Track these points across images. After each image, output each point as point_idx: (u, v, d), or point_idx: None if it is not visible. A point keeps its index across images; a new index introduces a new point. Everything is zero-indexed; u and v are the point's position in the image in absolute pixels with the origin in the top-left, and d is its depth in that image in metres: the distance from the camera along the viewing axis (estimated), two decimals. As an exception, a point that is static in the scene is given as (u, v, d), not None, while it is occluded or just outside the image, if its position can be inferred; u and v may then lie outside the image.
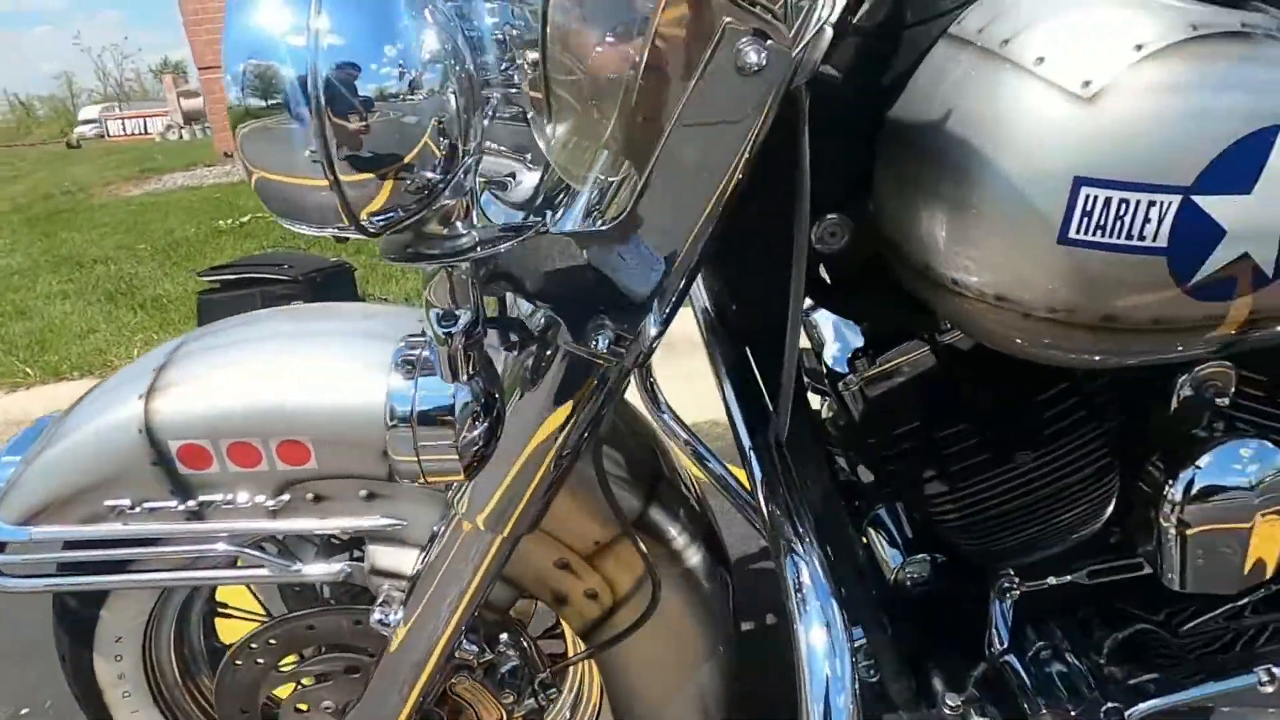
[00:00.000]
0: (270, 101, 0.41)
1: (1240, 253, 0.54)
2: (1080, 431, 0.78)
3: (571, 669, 1.04)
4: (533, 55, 0.49)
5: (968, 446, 0.79)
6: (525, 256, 0.57)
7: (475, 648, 0.82)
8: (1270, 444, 0.72)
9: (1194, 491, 0.72)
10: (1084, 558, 0.89)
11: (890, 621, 0.97)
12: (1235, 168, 0.51)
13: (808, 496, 0.71)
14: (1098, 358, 0.63)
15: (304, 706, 0.93)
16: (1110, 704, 0.86)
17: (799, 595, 0.59)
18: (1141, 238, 0.53)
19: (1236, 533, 0.72)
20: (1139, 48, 0.52)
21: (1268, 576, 0.77)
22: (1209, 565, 0.74)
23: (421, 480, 0.55)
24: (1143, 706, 0.85)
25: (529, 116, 0.51)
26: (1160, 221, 0.52)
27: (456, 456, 0.53)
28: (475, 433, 0.55)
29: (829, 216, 0.69)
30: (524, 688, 0.88)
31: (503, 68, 0.49)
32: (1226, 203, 0.52)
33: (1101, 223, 0.53)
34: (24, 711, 1.52)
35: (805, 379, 0.95)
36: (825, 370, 0.92)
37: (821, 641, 0.57)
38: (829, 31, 0.55)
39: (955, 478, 0.80)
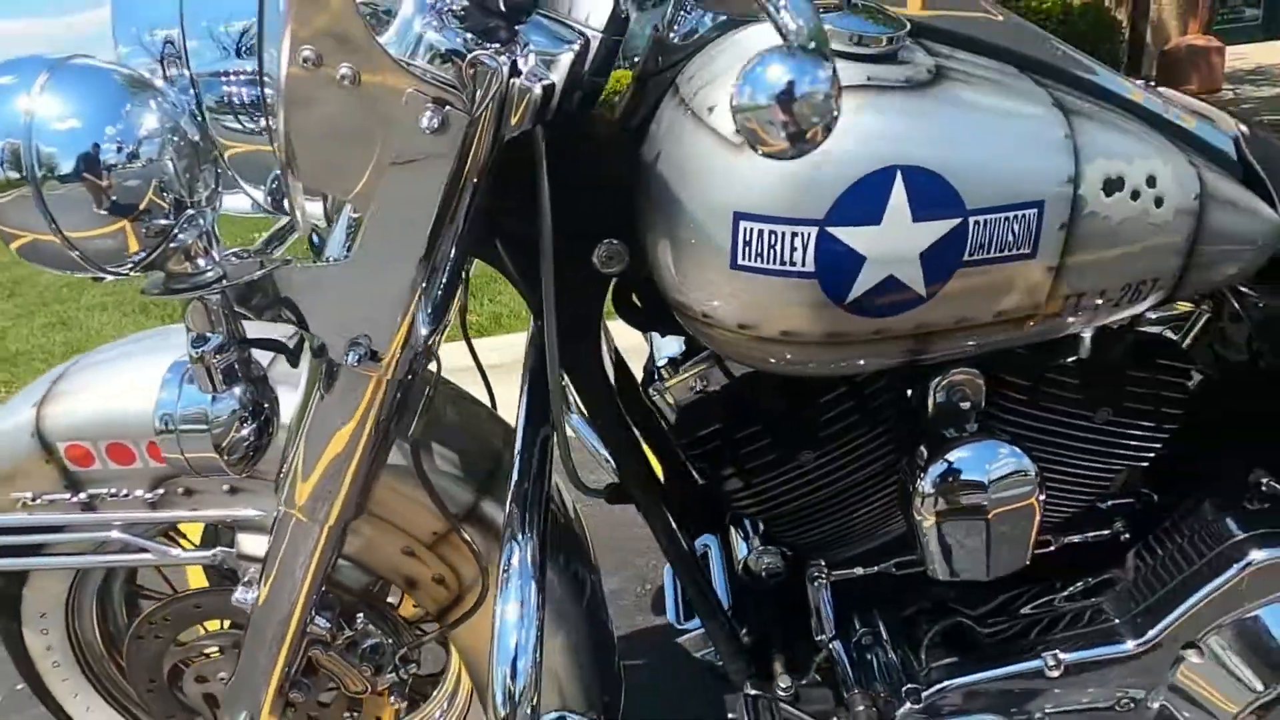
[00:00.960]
0: (10, 175, 0.52)
1: (885, 274, 0.61)
2: (858, 433, 0.85)
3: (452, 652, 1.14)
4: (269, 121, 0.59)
5: (759, 447, 0.87)
6: (286, 284, 0.67)
7: (328, 624, 0.93)
8: (1007, 445, 0.78)
9: (937, 487, 0.78)
10: (893, 550, 0.96)
11: (740, 609, 1.05)
12: (862, 203, 0.59)
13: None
14: (836, 366, 0.71)
15: (205, 678, 1.06)
16: (910, 685, 0.93)
17: (505, 574, 0.68)
18: (793, 263, 0.61)
19: (976, 525, 0.79)
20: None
21: (1018, 566, 0.83)
22: (957, 554, 0.81)
23: (194, 474, 0.66)
24: (937, 687, 0.92)
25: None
26: (805, 249, 0.60)
27: (217, 454, 0.64)
28: (241, 434, 0.65)
29: (606, 241, 0.77)
30: (383, 662, 0.98)
31: (245, 126, 0.60)
32: (859, 232, 0.60)
33: (759, 251, 0.61)
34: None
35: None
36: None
37: (514, 614, 0.67)
38: (538, 90, 0.64)
39: (750, 476, 0.88)
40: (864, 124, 0.59)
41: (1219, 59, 6.64)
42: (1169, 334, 0.91)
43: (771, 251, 0.61)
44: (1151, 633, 0.88)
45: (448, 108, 0.58)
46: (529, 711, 0.65)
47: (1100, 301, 0.68)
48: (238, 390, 0.64)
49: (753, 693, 0.94)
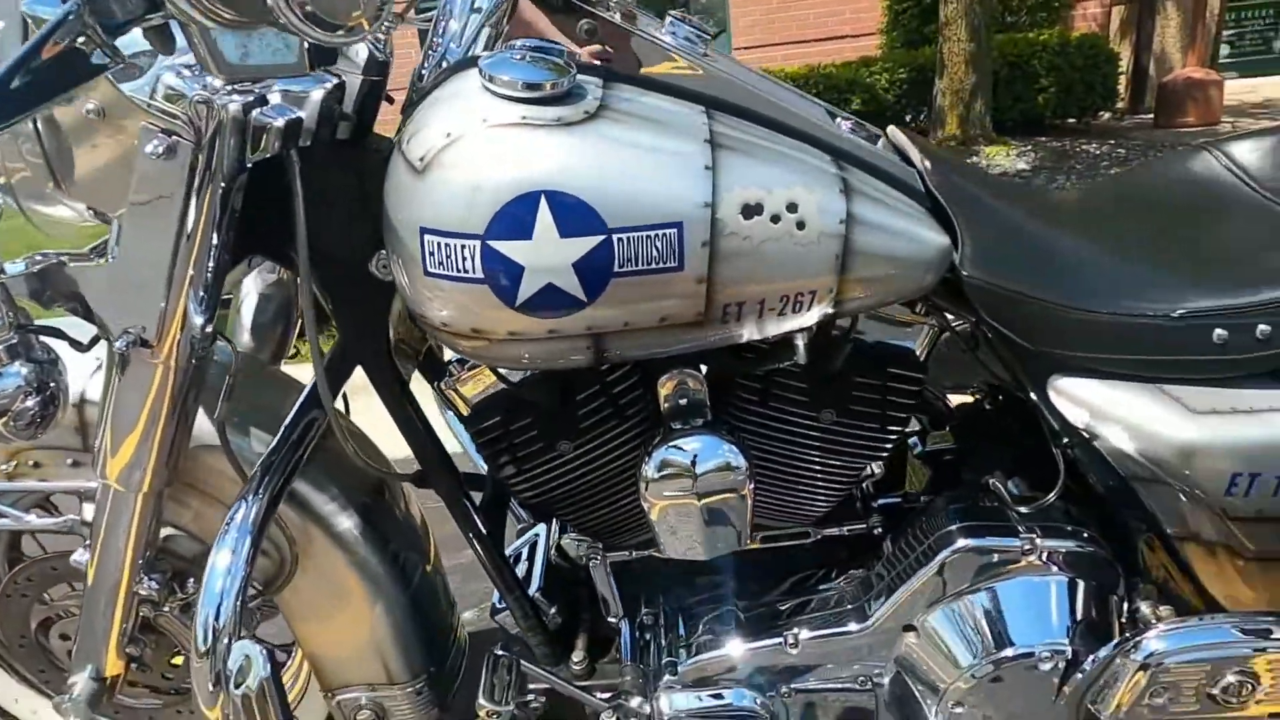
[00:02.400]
0: None
1: (545, 282, 0.73)
2: (609, 426, 0.96)
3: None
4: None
5: (529, 438, 0.98)
6: (74, 280, 0.80)
7: (159, 586, 1.05)
8: (719, 439, 0.89)
9: (655, 475, 0.89)
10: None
11: (551, 591, 1.16)
12: (514, 221, 0.71)
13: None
14: (539, 361, 0.82)
15: (67, 635, 1.18)
16: (668, 659, 1.03)
17: (226, 528, 0.80)
18: (467, 271, 0.73)
19: (689, 510, 0.89)
20: (448, 134, 0.72)
21: (736, 547, 0.93)
22: (678, 536, 0.91)
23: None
24: (691, 661, 1.02)
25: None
26: (473, 259, 0.72)
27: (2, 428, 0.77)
28: (26, 405, 0.78)
29: (379, 251, 0.89)
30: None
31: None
32: (515, 246, 0.71)
33: (441, 261, 0.73)
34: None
35: None
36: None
37: (224, 562, 0.78)
38: (280, 123, 0.76)
39: (523, 466, 0.98)
40: (515, 154, 0.71)
41: (1217, 92, 6.65)
42: (904, 342, 1.01)
43: (449, 261, 0.73)
44: (875, 615, 0.98)
45: (174, 138, 0.71)
46: (226, 647, 0.76)
47: (762, 310, 0.79)
48: (18, 367, 0.77)
49: (500, 653, 1.04)
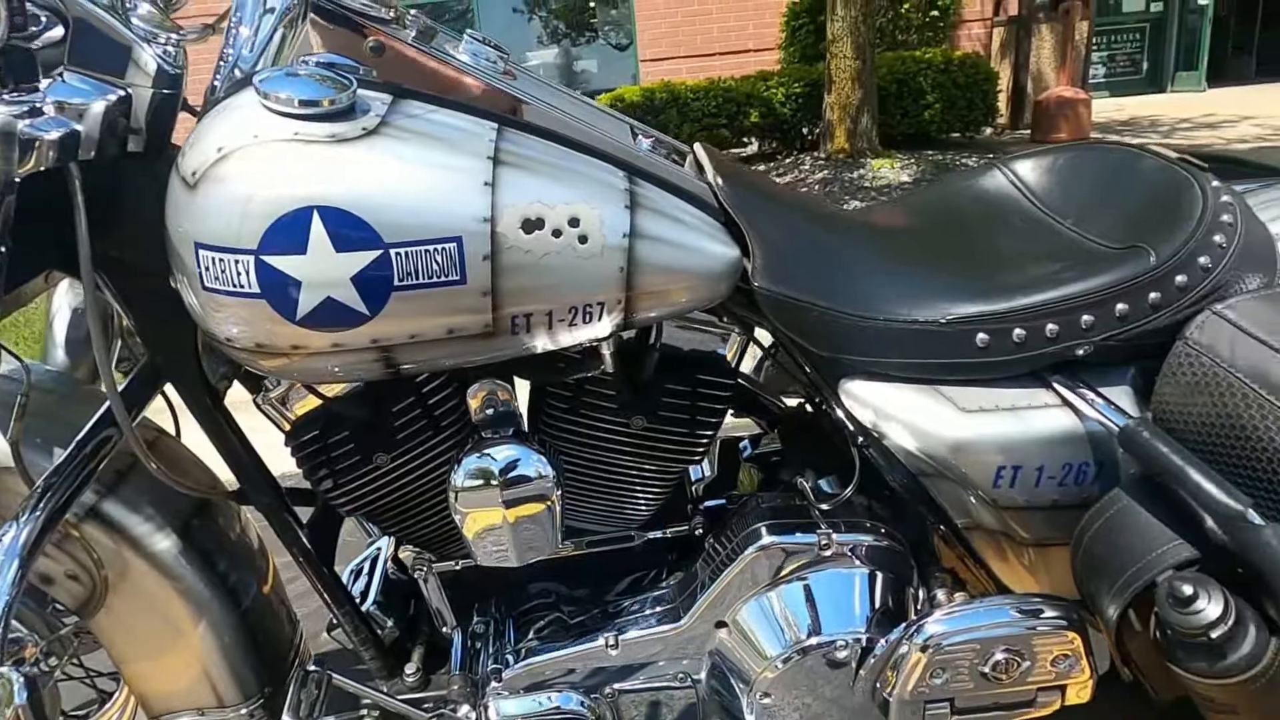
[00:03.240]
0: None
1: (324, 296, 0.74)
2: (425, 436, 0.97)
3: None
4: None
5: (347, 451, 0.98)
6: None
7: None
8: (524, 447, 0.91)
9: (462, 484, 0.90)
10: None
11: (388, 601, 1.15)
12: (287, 235, 0.71)
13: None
14: (324, 374, 0.82)
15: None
16: (494, 666, 1.04)
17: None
18: (243, 286, 0.73)
19: (494, 517, 0.91)
20: (219, 149, 0.72)
21: (547, 553, 0.95)
22: (487, 543, 0.93)
23: None
24: (517, 666, 1.03)
25: None
26: (249, 274, 0.72)
27: None
28: None
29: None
30: (23, 654, 1.06)
31: None
32: (290, 260, 0.72)
33: (217, 275, 0.73)
34: None
35: None
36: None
37: None
38: (52, 135, 0.75)
39: (342, 478, 0.98)
40: (287, 169, 0.72)
41: (1086, 110, 7.08)
42: (713, 349, 1.05)
43: (225, 276, 0.73)
44: (689, 614, 1.01)
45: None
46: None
47: (551, 322, 0.81)
48: None
49: (311, 668, 1.04)
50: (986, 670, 0.93)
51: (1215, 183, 0.97)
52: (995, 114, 7.34)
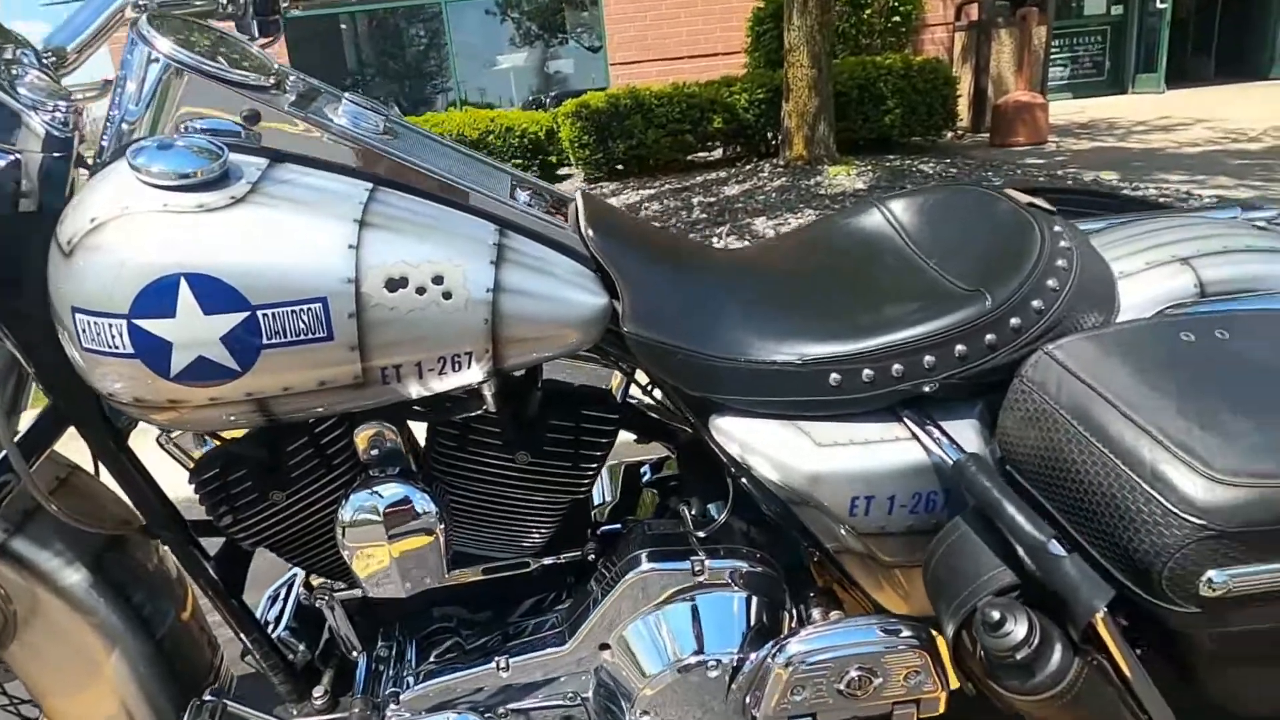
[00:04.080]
0: None
1: (196, 355, 0.79)
2: (318, 475, 1.02)
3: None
4: None
5: (243, 489, 1.02)
6: None
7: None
8: (405, 484, 0.96)
9: (348, 520, 0.96)
10: None
11: (302, 626, 1.20)
12: (156, 300, 0.76)
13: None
14: (207, 424, 0.87)
15: None
16: (393, 689, 1.10)
17: None
18: (118, 346, 0.78)
19: (379, 551, 0.97)
20: (93, 219, 0.77)
21: (436, 584, 1.01)
22: (374, 576, 0.99)
23: None
24: (414, 690, 1.09)
25: None
26: (122, 336, 0.77)
27: None
28: None
29: None
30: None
31: None
32: (160, 324, 0.77)
33: (93, 336, 0.78)
34: None
35: None
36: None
37: None
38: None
39: (238, 514, 1.03)
40: (155, 239, 0.77)
41: (1043, 113, 7.22)
42: (599, 386, 1.11)
43: (100, 337, 0.78)
44: (575, 636, 1.07)
45: None
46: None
47: (421, 372, 0.87)
48: None
49: (206, 698, 1.09)
50: (842, 687, 1.00)
51: (1057, 226, 1.04)
52: (955, 118, 7.46)
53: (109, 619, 1.13)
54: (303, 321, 0.80)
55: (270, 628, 1.21)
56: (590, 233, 0.98)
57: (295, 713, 1.15)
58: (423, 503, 0.96)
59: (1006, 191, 1.12)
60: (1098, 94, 11.01)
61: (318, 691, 1.15)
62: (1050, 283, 0.98)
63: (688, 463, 1.24)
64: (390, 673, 1.13)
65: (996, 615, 0.81)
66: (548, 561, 1.16)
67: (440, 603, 1.19)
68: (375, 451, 0.98)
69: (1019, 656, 0.80)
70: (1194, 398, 0.84)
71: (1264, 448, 0.80)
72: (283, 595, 1.29)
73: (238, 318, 0.78)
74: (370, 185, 0.88)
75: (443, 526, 0.98)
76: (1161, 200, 4.74)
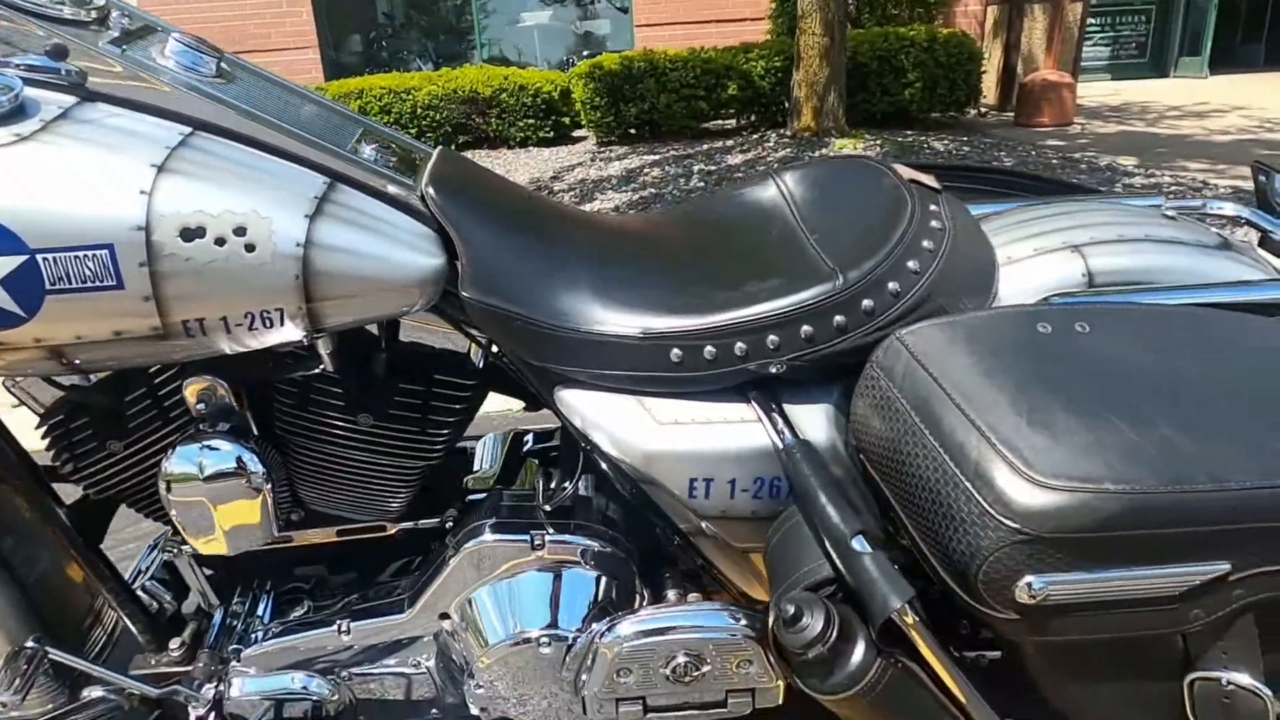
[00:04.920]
0: None
1: None
2: (155, 427, 1.00)
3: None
4: None
5: (85, 438, 1.00)
6: None
7: None
8: (230, 441, 0.94)
9: (169, 475, 0.94)
10: None
11: (165, 580, 1.20)
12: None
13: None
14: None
15: None
16: (236, 645, 1.08)
17: None
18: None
19: (200, 509, 0.94)
20: None
21: (259, 543, 0.99)
22: (198, 531, 0.96)
23: None
24: (256, 648, 1.07)
25: None
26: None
27: None
28: None
29: None
30: None
31: None
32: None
33: None
34: None
35: None
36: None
37: None
38: None
39: (79, 461, 1.01)
40: None
41: (1070, 94, 6.98)
42: (455, 350, 1.08)
43: None
44: (416, 604, 1.05)
45: None
46: None
47: (229, 326, 0.84)
48: None
49: (29, 645, 1.07)
50: (668, 672, 0.97)
51: (934, 206, 0.98)
52: (978, 95, 7.24)
53: None
54: (88, 269, 0.77)
55: (142, 576, 1.20)
56: (431, 191, 0.94)
57: (153, 663, 1.14)
58: (247, 461, 0.94)
59: (894, 166, 1.06)
60: (1137, 76, 10.63)
61: (174, 644, 1.14)
62: (911, 264, 0.92)
63: (564, 432, 1.20)
64: (240, 628, 1.12)
65: (792, 610, 0.77)
66: (405, 527, 1.13)
67: (304, 562, 1.17)
68: (203, 406, 0.96)
69: (811, 654, 0.76)
70: (1032, 393, 0.79)
71: (1091, 449, 0.75)
72: (160, 545, 1.28)
73: (16, 261, 0.76)
74: (188, 130, 0.84)
75: (269, 487, 0.96)
76: (1144, 190, 4.57)
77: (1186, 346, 0.86)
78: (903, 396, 0.85)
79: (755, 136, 6.17)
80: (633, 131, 7.15)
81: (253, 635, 1.10)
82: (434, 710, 1.11)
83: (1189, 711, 0.83)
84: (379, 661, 1.08)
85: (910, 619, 0.76)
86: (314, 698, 1.07)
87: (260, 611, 1.13)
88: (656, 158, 5.89)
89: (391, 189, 0.92)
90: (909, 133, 6.43)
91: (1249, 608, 0.80)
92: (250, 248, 0.81)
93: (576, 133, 8.13)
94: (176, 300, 0.81)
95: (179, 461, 0.93)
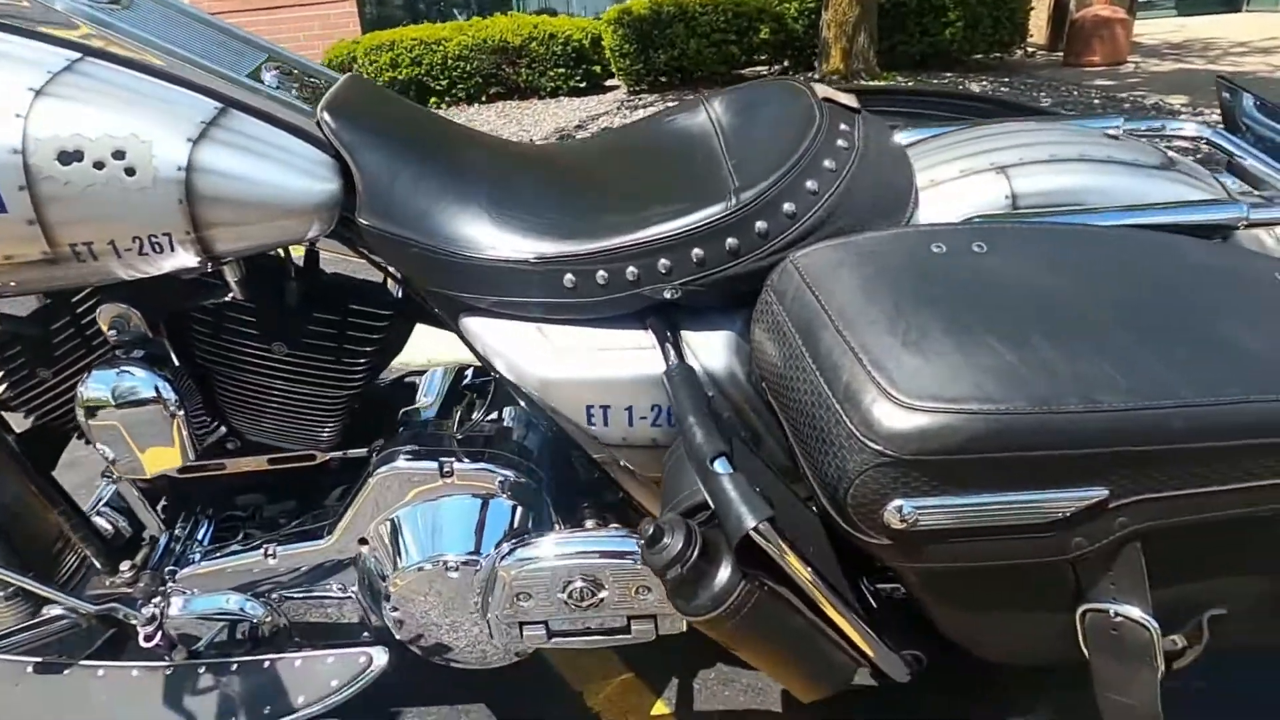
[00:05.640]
0: None
1: None
2: (79, 353, 1.03)
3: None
4: None
5: (18, 365, 1.04)
6: None
7: None
8: (140, 367, 0.96)
9: (82, 400, 0.97)
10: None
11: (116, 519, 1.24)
12: None
13: None
14: None
15: None
16: (172, 567, 1.13)
17: None
18: None
19: (114, 432, 0.97)
20: None
21: (177, 465, 1.01)
22: (124, 455, 0.99)
23: None
24: (188, 569, 1.11)
25: None
26: None
27: None
28: None
29: None
30: None
31: None
32: None
33: None
34: None
35: None
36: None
37: None
38: None
39: (16, 387, 1.05)
40: None
41: (1124, 30, 6.62)
42: (372, 278, 1.08)
43: None
44: (334, 531, 1.08)
45: None
46: None
47: (119, 251, 0.85)
48: None
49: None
50: (565, 597, 0.97)
51: (844, 125, 0.94)
52: (1024, 34, 6.90)
53: None
54: (-28, 191, 0.79)
55: (100, 504, 1.25)
56: (327, 116, 0.93)
57: (106, 585, 1.19)
58: (158, 387, 0.96)
59: (812, 86, 1.02)
60: (1207, 11, 10.01)
61: (124, 566, 1.19)
62: (810, 184, 0.89)
63: (487, 365, 1.21)
64: (179, 551, 1.16)
65: (651, 530, 0.77)
66: (336, 456, 1.15)
67: (244, 490, 1.21)
68: (116, 332, 0.98)
69: (671, 575, 0.76)
70: (911, 314, 0.76)
71: (959, 370, 0.72)
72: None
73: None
74: (76, 56, 0.85)
75: (183, 413, 0.98)
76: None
77: (1088, 267, 0.82)
78: (790, 320, 0.83)
79: (783, 81, 6.00)
80: (664, 79, 7.02)
81: (190, 558, 1.14)
82: (364, 633, 1.14)
83: (1081, 642, 0.81)
84: (308, 585, 1.12)
85: (771, 541, 0.75)
86: (248, 618, 1.11)
87: (200, 536, 1.17)
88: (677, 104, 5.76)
89: (287, 115, 0.92)
90: (947, 75, 6.19)
91: (1134, 536, 0.77)
92: (130, 171, 0.82)
93: (609, 82, 8.01)
94: (61, 224, 0.82)
95: (93, 387, 0.96)
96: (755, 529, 0.73)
